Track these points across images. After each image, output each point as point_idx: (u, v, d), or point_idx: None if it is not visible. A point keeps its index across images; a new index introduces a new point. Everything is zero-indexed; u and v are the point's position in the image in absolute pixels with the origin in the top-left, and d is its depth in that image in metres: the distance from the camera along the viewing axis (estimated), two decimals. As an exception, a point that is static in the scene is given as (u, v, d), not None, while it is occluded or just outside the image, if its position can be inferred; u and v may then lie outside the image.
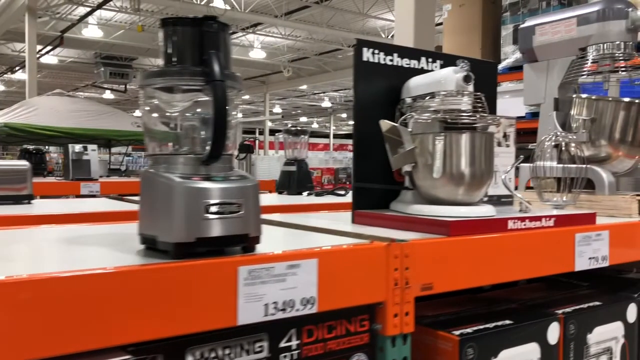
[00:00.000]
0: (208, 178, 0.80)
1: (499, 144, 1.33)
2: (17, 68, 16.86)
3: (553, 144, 1.55)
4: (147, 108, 0.87)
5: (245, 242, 0.81)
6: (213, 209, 0.77)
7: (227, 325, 0.77)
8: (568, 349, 1.18)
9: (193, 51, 0.82)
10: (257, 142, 24.66)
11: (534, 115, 2.90)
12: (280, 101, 25.35)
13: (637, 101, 1.56)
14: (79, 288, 0.66)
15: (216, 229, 0.77)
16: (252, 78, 19.74)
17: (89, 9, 12.12)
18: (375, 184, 1.27)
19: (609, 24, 1.66)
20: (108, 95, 20.65)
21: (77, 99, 8.93)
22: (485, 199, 1.20)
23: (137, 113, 13.41)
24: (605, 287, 1.43)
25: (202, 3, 11.66)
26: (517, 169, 1.44)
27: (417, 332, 0.98)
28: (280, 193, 2.70)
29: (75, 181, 3.90)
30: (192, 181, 0.78)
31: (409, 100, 1.27)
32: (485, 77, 1.35)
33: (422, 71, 1.33)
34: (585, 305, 1.25)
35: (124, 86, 16.08)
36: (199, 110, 0.86)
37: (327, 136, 27.74)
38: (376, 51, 1.28)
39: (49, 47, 14.28)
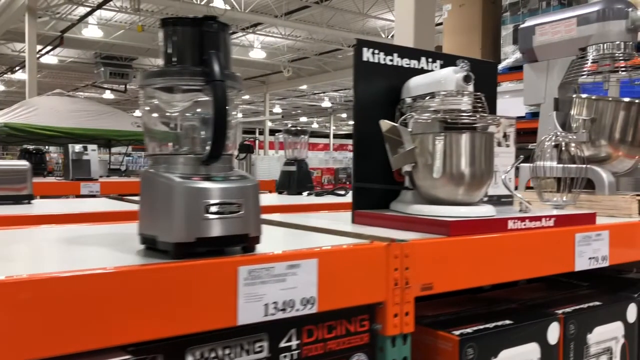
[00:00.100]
0: (208, 178, 0.80)
1: (499, 144, 1.33)
2: (17, 68, 16.86)
3: (553, 144, 1.55)
4: (147, 108, 0.87)
5: (245, 242, 0.81)
6: (213, 209, 0.77)
7: (227, 325, 0.77)
8: (568, 349, 1.18)
9: (193, 51, 0.82)
10: (257, 142, 24.66)
11: (534, 115, 2.90)
12: (280, 101, 25.35)
13: (637, 101, 1.56)
14: (79, 288, 0.66)
15: (216, 229, 0.77)
16: (252, 78, 19.74)
17: (89, 9, 12.12)
18: (375, 184, 1.27)
19: (609, 24, 1.66)
20: (108, 95, 20.65)
21: (77, 99, 8.93)
22: (485, 199, 1.20)
23: (137, 113, 13.42)
24: (605, 287, 1.43)
25: (202, 3, 11.66)
26: (517, 169, 1.44)
27: (417, 332, 0.98)
28: (280, 193, 2.70)
29: (75, 181, 3.90)
30: (192, 181, 0.78)
31: (409, 100, 1.27)
32: (485, 77, 1.35)
33: (422, 71, 1.33)
34: (585, 305, 1.25)
35: (124, 86, 16.08)
36: (199, 110, 0.86)
37: (327, 136, 27.75)
38: (376, 51, 1.28)
39: (49, 47, 14.28)
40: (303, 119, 29.51)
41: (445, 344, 1.02)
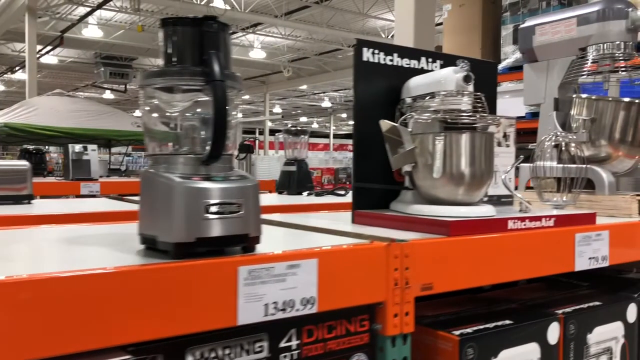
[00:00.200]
0: (208, 178, 0.80)
1: (499, 144, 1.33)
2: (17, 68, 16.86)
3: (553, 144, 1.55)
4: (147, 108, 0.87)
5: (245, 242, 0.81)
6: (213, 209, 0.77)
7: (227, 325, 0.77)
8: (568, 349, 1.18)
9: (193, 51, 0.82)
10: (257, 142, 24.66)
11: (534, 115, 2.90)
12: (280, 101, 25.35)
13: (637, 101, 1.56)
14: (79, 288, 0.66)
15: (216, 229, 0.77)
16: (252, 78, 19.74)
17: (89, 9, 12.12)
18: (375, 184, 1.27)
19: (609, 24, 1.66)
20: (108, 95, 20.65)
21: (77, 99, 8.93)
22: (485, 199, 1.20)
23: (137, 113, 13.42)
24: (605, 287, 1.43)
25: (202, 3, 11.66)
26: (517, 169, 1.44)
27: (417, 332, 0.98)
28: (280, 193, 2.70)
29: (75, 181, 3.90)
30: (192, 181, 0.78)
31: (409, 100, 1.27)
32: (485, 77, 1.35)
33: (422, 71, 1.33)
34: (585, 305, 1.25)
35: (124, 86, 16.08)
36: (199, 110, 0.86)
37: (327, 136, 27.75)
38: (376, 51, 1.28)
39: (49, 47, 14.28)
40: (303, 119, 29.51)
41: (445, 344, 1.02)
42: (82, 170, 3.97)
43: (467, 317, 1.13)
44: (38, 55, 13.21)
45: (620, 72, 1.68)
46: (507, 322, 1.10)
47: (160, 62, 0.84)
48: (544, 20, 1.86)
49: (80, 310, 0.66)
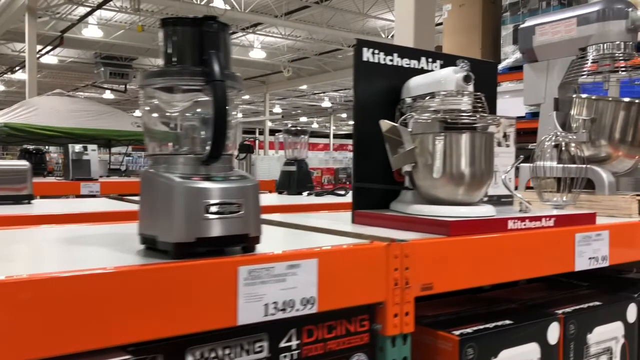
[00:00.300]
0: (208, 178, 0.80)
1: (499, 144, 1.33)
2: (17, 68, 16.86)
3: (553, 144, 1.55)
4: (147, 108, 0.87)
5: (245, 242, 0.81)
6: (213, 209, 0.77)
7: (227, 325, 0.77)
8: (568, 349, 1.18)
9: (193, 51, 0.82)
10: (257, 142, 24.66)
11: (534, 115, 2.90)
12: (280, 101, 25.35)
13: (637, 101, 1.56)
14: (79, 288, 0.66)
15: (216, 229, 0.77)
16: (252, 78, 19.74)
17: (89, 9, 12.12)
18: (375, 184, 1.27)
19: (609, 24, 1.66)
20: (108, 95, 20.65)
21: (77, 99, 8.93)
22: (485, 199, 1.20)
23: (137, 113, 13.42)
24: (605, 287, 1.43)
25: (202, 3, 11.66)
26: (517, 169, 1.44)
27: (417, 332, 0.98)
28: (280, 193, 2.70)
29: (75, 181, 3.90)
30: (192, 181, 0.78)
31: (409, 100, 1.27)
32: (485, 77, 1.35)
33: (422, 71, 1.33)
34: (585, 305, 1.25)
35: (124, 86, 16.08)
36: (199, 110, 0.86)
37: (327, 136, 27.74)
38: (376, 51, 1.28)
39: (49, 47, 14.28)
40: (303, 119, 29.51)
41: (445, 344, 1.02)
42: (82, 170, 3.97)
43: (467, 317, 1.13)
44: (38, 55, 13.22)
45: (620, 72, 1.68)
46: (507, 322, 1.10)
47: (160, 62, 0.84)
48: (544, 20, 1.86)
49: (80, 310, 0.66)
